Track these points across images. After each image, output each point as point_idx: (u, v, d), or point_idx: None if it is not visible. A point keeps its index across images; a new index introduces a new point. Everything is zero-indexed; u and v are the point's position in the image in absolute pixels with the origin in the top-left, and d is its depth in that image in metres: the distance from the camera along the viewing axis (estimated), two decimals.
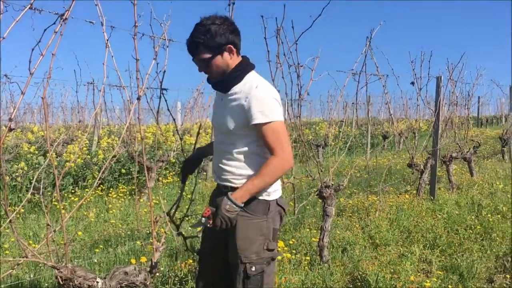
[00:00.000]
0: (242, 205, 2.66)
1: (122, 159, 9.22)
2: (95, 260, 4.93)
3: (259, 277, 2.73)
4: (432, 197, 7.88)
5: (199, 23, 2.65)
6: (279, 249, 5.04)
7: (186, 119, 13.66)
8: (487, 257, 5.56)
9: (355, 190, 8.61)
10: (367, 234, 5.88)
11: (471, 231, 6.21)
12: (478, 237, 6.07)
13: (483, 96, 27.59)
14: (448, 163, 8.72)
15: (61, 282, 2.09)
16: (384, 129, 18.07)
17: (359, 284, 4.57)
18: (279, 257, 4.87)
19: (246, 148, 2.73)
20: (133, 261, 4.32)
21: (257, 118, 2.59)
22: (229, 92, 2.73)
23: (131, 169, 9.08)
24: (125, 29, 3.08)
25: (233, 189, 2.73)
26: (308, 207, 7.13)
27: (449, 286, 4.60)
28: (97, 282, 2.23)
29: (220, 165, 2.84)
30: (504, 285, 4.80)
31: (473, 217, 6.87)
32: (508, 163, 12.79)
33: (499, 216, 6.92)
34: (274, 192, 2.85)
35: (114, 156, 7.99)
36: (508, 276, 4.97)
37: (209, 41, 2.61)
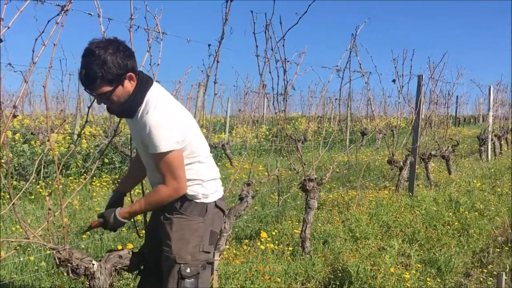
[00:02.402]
0: (127, 220, 2.74)
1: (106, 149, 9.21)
2: (83, 246, 4.96)
3: (194, 280, 2.71)
4: (410, 194, 8.04)
5: (91, 53, 2.44)
6: (262, 239, 5.15)
7: None
8: (464, 252, 5.74)
9: (334, 185, 8.74)
10: (347, 227, 6.00)
11: (448, 227, 6.37)
12: (455, 233, 6.24)
13: (461, 96, 28.05)
14: (427, 160, 8.90)
15: (59, 263, 2.13)
16: (363, 125, 18.28)
17: (340, 274, 4.68)
18: (262, 247, 4.97)
19: None
20: (119, 247, 4.36)
21: (150, 148, 2.57)
22: (135, 116, 2.63)
23: (113, 159, 9.07)
24: (121, 21, 3.11)
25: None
26: (288, 200, 7.23)
27: (427, 279, 4.74)
28: (93, 264, 2.28)
29: (151, 178, 2.89)
30: (481, 279, 4.96)
31: (450, 213, 7.04)
32: (486, 162, 13.09)
33: (476, 213, 7.11)
34: (213, 194, 2.86)
35: (97, 146, 8.00)
36: (485, 270, 5.14)
37: (108, 74, 2.45)
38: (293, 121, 20.32)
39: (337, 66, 5.53)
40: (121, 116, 2.77)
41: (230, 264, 4.41)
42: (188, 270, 2.66)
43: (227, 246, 4.85)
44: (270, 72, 4.71)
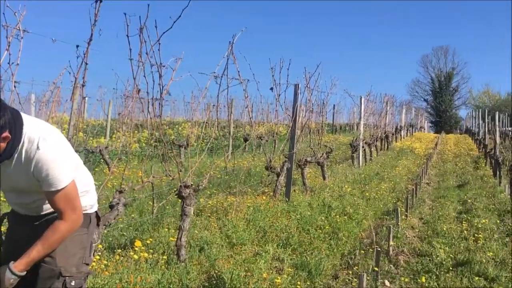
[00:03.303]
0: (24, 273, 2.48)
1: None
2: None
3: None
4: (287, 199, 8.29)
5: None
6: (136, 248, 5.00)
7: (41, 113, 12.84)
8: (334, 255, 6.02)
9: (214, 191, 8.77)
10: (224, 233, 6.03)
11: (320, 231, 6.65)
12: (326, 237, 6.53)
13: (338, 104, 29.66)
14: (303, 166, 9.24)
15: None
16: (245, 131, 18.59)
17: (214, 282, 4.68)
18: (136, 257, 4.82)
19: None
20: None
21: (46, 186, 2.43)
22: (12, 156, 2.41)
23: None
24: None
25: None
26: (168, 207, 7.13)
27: (298, 282, 4.90)
28: None
29: (20, 205, 2.68)
30: (347, 280, 5.23)
31: (323, 217, 7.36)
32: (357, 168, 13.88)
33: (345, 217, 7.50)
34: (95, 203, 2.82)
35: None
36: (350, 272, 5.42)
37: None
38: (177, 126, 20.15)
39: (215, 72, 5.54)
40: (1, 161, 2.44)
41: (99, 276, 4.22)
42: (73, 283, 2.56)
43: (98, 257, 4.64)
44: (145, 76, 4.60)
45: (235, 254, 5.43)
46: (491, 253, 6.16)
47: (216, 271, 4.86)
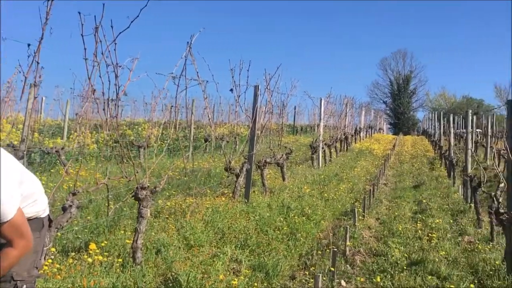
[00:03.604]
0: None
1: None
2: None
3: None
4: (246, 200, 8.29)
5: None
6: (90, 251, 4.91)
7: None
8: (292, 256, 6.05)
9: (173, 192, 8.69)
10: (182, 235, 5.99)
11: (279, 232, 6.68)
12: (284, 238, 6.56)
13: (298, 106, 29.90)
14: (262, 167, 9.26)
15: None
16: (206, 132, 18.50)
17: (171, 284, 4.63)
18: (90, 260, 4.73)
19: None
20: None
21: None
22: None
23: None
24: None
25: None
26: (125, 209, 7.02)
27: (255, 284, 4.90)
28: None
29: None
30: (304, 280, 5.27)
31: (281, 218, 7.40)
32: (317, 169, 14.02)
33: (304, 218, 7.56)
34: (47, 206, 2.80)
35: None
36: (307, 272, 5.47)
37: None
38: (137, 126, 19.89)
39: (173, 73, 5.49)
40: None
41: (50, 280, 4.12)
42: (24, 287, 2.58)
43: (50, 260, 4.53)
44: (100, 76, 4.52)
45: (192, 256, 5.39)
46: (444, 252, 6.32)
47: (173, 274, 4.81)
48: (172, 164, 11.33)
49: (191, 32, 5.91)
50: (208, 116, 9.76)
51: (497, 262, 5.81)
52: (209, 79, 7.39)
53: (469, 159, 10.27)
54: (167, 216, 6.94)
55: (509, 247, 5.45)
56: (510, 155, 5.55)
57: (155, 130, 13.49)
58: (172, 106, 6.07)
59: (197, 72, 6.56)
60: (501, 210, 5.62)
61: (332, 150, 17.29)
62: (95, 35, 4.27)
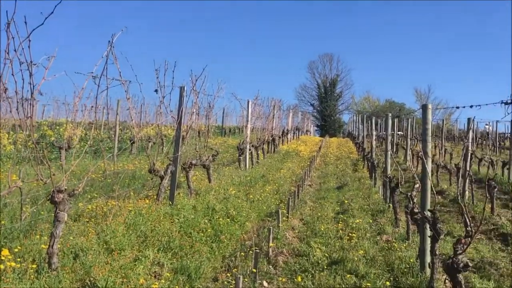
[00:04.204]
0: None
1: None
2: None
3: None
4: (171, 202, 8.18)
5: None
6: (3, 257, 4.67)
7: None
8: (215, 258, 6.05)
9: (95, 195, 8.44)
10: (102, 239, 5.82)
11: (202, 234, 6.65)
12: (208, 240, 6.54)
13: (227, 107, 29.95)
14: (188, 169, 9.18)
15: None
16: (132, 133, 18.15)
17: None
18: (1, 266, 4.50)
19: None
20: None
21: None
22: None
23: None
24: None
25: None
26: (43, 212, 6.74)
27: (176, 287, 4.85)
28: None
29: None
30: (226, 282, 5.27)
31: (206, 220, 7.37)
32: (244, 170, 14.09)
33: (229, 219, 7.57)
34: None
35: None
36: (229, 274, 5.48)
37: None
38: (58, 127, 19.20)
39: (92, 72, 5.32)
40: None
41: None
42: None
43: None
44: (13, 74, 4.32)
45: (112, 260, 5.25)
46: (363, 251, 6.53)
47: (91, 279, 4.67)
48: (96, 166, 11.04)
49: (114, 32, 5.74)
50: (132, 117, 9.51)
51: (411, 260, 6.09)
52: (132, 80, 7.24)
53: (389, 160, 10.69)
54: (87, 219, 6.72)
55: (422, 245, 5.71)
56: (424, 156, 5.82)
57: (78, 130, 13.04)
58: (92, 107, 5.87)
59: (120, 72, 6.41)
60: (416, 210, 5.88)
61: (259, 152, 17.44)
62: (7, 31, 4.07)
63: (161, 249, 5.90)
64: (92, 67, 5.38)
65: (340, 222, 8.41)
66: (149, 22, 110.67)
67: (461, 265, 3.94)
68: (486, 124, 44.58)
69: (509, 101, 5.53)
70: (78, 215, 6.95)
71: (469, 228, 3.89)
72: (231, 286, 5.09)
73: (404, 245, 6.91)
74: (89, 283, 4.63)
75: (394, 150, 24.64)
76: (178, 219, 7.14)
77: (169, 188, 8.47)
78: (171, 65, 7.79)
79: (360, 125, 30.46)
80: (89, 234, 5.97)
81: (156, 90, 7.74)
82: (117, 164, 11.49)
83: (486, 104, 6.89)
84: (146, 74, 8.83)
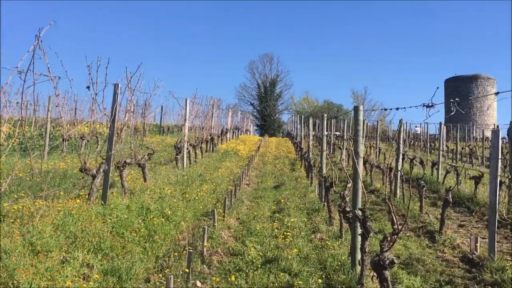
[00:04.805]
0: None
1: None
2: None
3: None
4: (103, 202, 7.93)
5: None
6: None
7: None
8: (148, 258, 5.92)
9: (23, 194, 8.07)
10: (28, 241, 5.56)
11: (135, 234, 6.49)
12: (141, 240, 6.39)
13: (166, 106, 29.54)
14: (122, 168, 8.95)
15: None
16: (65, 131, 17.52)
17: None
18: None
19: None
20: None
21: None
22: None
23: None
24: None
25: None
26: None
27: None
28: None
29: None
30: (158, 283, 5.16)
31: (140, 220, 7.20)
32: (181, 169, 13.92)
33: (163, 219, 7.43)
34: None
35: None
36: (162, 275, 5.37)
37: None
38: None
39: (17, 67, 5.06)
40: None
41: None
42: None
43: None
44: None
45: (38, 263, 5.02)
46: (297, 250, 6.59)
47: (14, 283, 4.44)
48: (22, 164, 10.56)
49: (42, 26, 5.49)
50: (61, 114, 9.15)
51: (343, 258, 6.19)
52: (62, 76, 6.96)
53: (324, 160, 10.86)
54: (12, 220, 6.40)
55: (353, 243, 5.82)
56: (355, 157, 5.93)
57: (5, 127, 12.43)
58: (17, 103, 5.58)
59: (48, 68, 6.14)
60: (347, 209, 5.98)
61: (197, 151, 17.29)
62: None
63: (92, 250, 5.71)
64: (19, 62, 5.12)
65: (276, 221, 8.45)
66: (83, 20, 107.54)
67: (387, 262, 4.03)
68: (416, 126, 46.53)
69: (430, 104, 5.74)
70: (3, 215, 6.60)
71: (395, 226, 3.98)
72: (162, 287, 4.99)
73: (337, 243, 7.03)
74: (12, 286, 4.40)
75: (331, 150, 25.20)
76: (110, 219, 6.94)
77: (102, 187, 8.22)
78: (104, 61, 7.56)
79: (298, 125, 30.88)
80: (14, 236, 5.69)
81: (88, 87, 7.48)
82: (47, 163, 11.05)
83: (410, 107, 7.13)
84: (79, 71, 8.52)
